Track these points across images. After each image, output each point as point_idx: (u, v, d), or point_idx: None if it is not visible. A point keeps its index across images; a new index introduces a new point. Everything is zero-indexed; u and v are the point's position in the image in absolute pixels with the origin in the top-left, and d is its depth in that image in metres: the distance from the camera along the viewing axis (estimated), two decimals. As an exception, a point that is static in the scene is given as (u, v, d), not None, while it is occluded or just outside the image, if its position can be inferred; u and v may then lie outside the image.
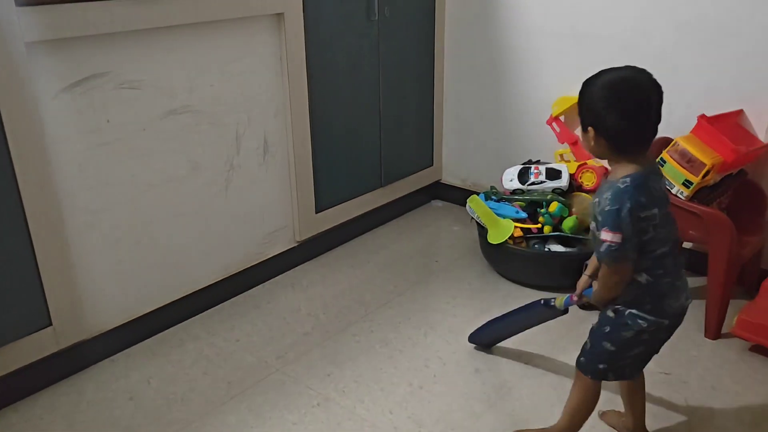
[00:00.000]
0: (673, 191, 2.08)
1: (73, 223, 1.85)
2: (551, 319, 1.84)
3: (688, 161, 2.04)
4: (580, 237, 2.37)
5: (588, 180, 2.51)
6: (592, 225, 1.46)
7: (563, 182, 2.47)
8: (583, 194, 2.47)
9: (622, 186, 1.36)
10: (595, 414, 1.78)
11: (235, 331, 2.18)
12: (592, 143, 1.41)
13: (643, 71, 1.39)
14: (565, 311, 1.76)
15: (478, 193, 2.60)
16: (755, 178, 2.27)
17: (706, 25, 2.23)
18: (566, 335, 2.12)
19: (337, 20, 2.40)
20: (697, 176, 2.02)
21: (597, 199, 1.41)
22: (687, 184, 2.04)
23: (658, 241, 1.41)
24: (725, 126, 2.15)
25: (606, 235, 1.36)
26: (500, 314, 2.03)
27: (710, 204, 2.12)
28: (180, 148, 2.06)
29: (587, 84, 1.41)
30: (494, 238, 2.37)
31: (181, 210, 2.12)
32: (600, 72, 1.41)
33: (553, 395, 1.86)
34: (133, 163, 1.96)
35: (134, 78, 1.89)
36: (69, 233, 1.84)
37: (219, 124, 2.15)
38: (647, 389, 1.86)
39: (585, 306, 1.64)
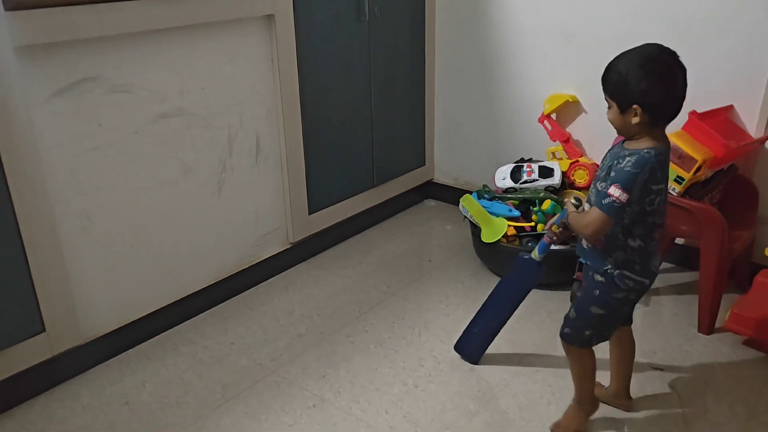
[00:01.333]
0: (665, 187, 2.09)
1: (65, 227, 1.85)
2: (532, 281, 1.87)
3: (679, 157, 2.05)
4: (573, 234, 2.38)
5: (580, 177, 2.51)
6: (599, 185, 1.48)
7: (556, 180, 2.48)
8: (576, 191, 2.48)
9: (646, 155, 1.44)
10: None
11: (229, 333, 2.18)
12: (636, 121, 1.44)
13: (662, 46, 1.47)
14: (541, 266, 1.83)
15: (470, 192, 2.61)
16: (746, 173, 2.28)
17: (695, 22, 2.24)
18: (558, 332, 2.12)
19: (327, 21, 2.40)
20: (688, 172, 2.03)
21: (615, 161, 1.47)
22: (679, 180, 2.05)
23: (658, 213, 1.51)
24: (716, 122, 2.16)
25: (615, 191, 1.43)
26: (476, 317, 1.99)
27: (702, 199, 2.13)
28: (172, 152, 2.06)
29: (622, 65, 1.45)
30: (487, 236, 2.38)
31: (174, 213, 2.12)
32: (625, 54, 1.47)
33: (548, 392, 1.86)
34: (126, 167, 1.95)
35: (125, 82, 1.89)
36: (61, 238, 1.84)
37: (211, 126, 2.15)
38: (641, 384, 1.87)
39: (554, 237, 1.71)
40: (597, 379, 1.84)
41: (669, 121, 1.49)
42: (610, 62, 1.48)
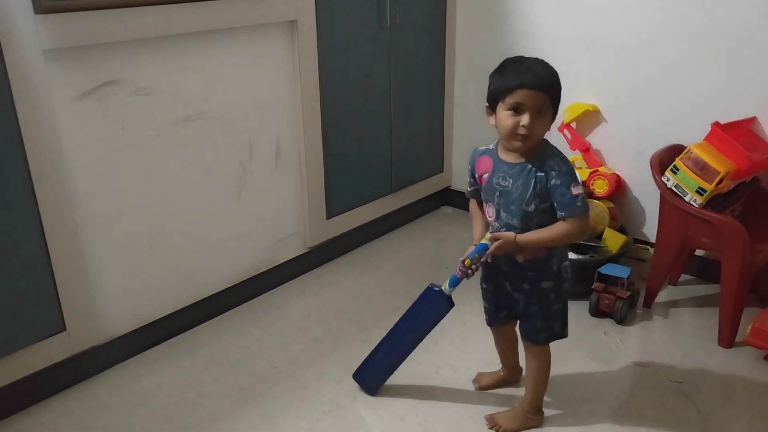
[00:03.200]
0: (687, 199, 2.07)
1: (87, 228, 1.87)
2: (439, 316, 1.80)
3: (701, 169, 2.03)
4: (592, 244, 2.37)
5: (600, 187, 2.50)
6: (535, 202, 1.52)
7: (575, 189, 2.46)
8: (595, 201, 2.46)
9: (555, 149, 1.55)
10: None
11: (246, 336, 2.18)
12: (550, 127, 1.53)
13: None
14: (450, 302, 1.76)
15: (489, 200, 2.60)
16: (769, 185, 2.26)
17: (718, 33, 2.23)
18: (576, 343, 2.11)
19: (349, 27, 2.41)
20: (710, 184, 2.01)
21: (541, 173, 1.51)
22: (701, 191, 2.03)
23: None
24: (739, 133, 2.14)
25: (577, 189, 1.50)
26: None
27: (723, 211, 2.11)
28: (193, 155, 2.08)
29: (554, 74, 1.51)
30: (505, 244, 2.36)
31: (193, 216, 2.13)
32: (538, 60, 1.53)
33: (564, 403, 1.85)
34: (147, 170, 1.97)
35: (149, 85, 1.91)
36: (83, 239, 1.86)
37: (232, 130, 2.16)
38: (659, 398, 1.86)
39: (471, 270, 1.65)
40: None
41: None
42: (544, 70, 1.50)
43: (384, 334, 2.13)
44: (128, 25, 1.80)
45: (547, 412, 1.80)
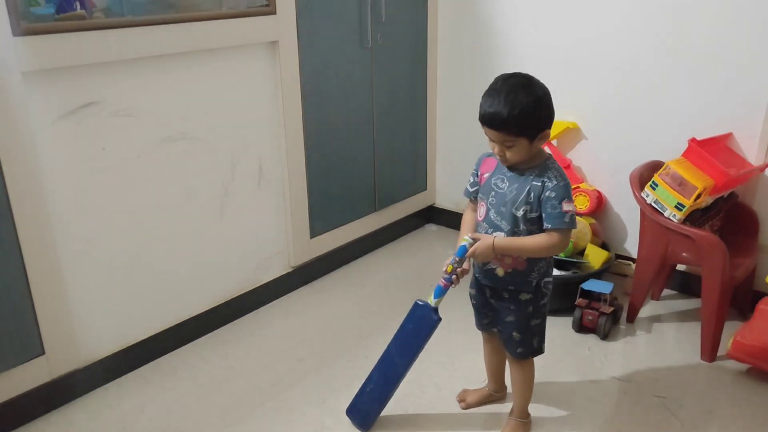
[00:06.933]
0: (666, 214, 2.09)
1: (67, 250, 1.85)
2: (429, 331, 1.75)
3: (679, 184, 2.06)
4: (575, 260, 2.38)
5: (581, 203, 2.52)
6: (525, 208, 1.54)
7: (556, 206, 2.48)
8: (577, 218, 2.48)
9: (556, 164, 1.57)
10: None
11: (229, 358, 2.16)
12: (543, 143, 1.55)
13: (512, 73, 1.61)
14: (437, 315, 1.72)
15: (472, 217, 2.61)
16: (746, 200, 2.29)
17: (695, 51, 2.27)
18: (560, 359, 2.11)
19: (330, 47, 2.43)
20: (689, 199, 2.04)
21: (538, 183, 1.53)
22: (679, 207, 2.06)
23: None
24: (715, 149, 2.17)
25: (568, 206, 1.53)
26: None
27: (702, 226, 2.14)
28: (175, 175, 2.07)
29: (522, 102, 1.48)
30: (489, 262, 2.37)
31: (175, 236, 2.12)
32: (507, 92, 1.50)
33: (549, 419, 1.85)
34: (128, 191, 1.96)
35: (129, 106, 1.90)
36: (63, 261, 1.84)
37: (214, 150, 2.16)
38: (643, 413, 1.86)
39: (455, 276, 1.63)
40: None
41: None
42: (506, 104, 1.48)
43: (369, 354, 2.13)
44: (108, 46, 1.80)
45: (532, 428, 1.79)
